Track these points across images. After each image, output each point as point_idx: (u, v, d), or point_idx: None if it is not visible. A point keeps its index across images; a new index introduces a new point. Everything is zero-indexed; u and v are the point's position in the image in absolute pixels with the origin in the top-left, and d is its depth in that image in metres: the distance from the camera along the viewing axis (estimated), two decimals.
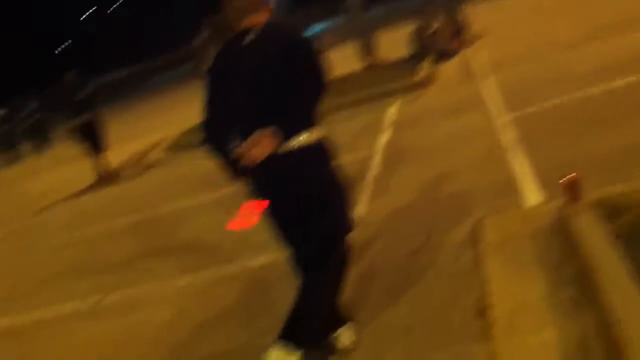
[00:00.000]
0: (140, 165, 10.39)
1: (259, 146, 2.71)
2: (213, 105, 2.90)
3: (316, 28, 25.93)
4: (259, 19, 2.89)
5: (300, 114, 2.79)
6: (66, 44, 48.75)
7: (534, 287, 3.06)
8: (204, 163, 4.27)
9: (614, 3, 10.31)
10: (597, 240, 3.07)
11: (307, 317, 2.89)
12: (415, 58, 11.05)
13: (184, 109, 11.63)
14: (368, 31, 12.30)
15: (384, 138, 7.00)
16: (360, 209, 4.86)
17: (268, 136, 2.70)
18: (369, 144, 6.83)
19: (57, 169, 13.05)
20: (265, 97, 2.78)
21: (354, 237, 3.12)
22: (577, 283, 2.94)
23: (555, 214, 3.59)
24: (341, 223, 2.99)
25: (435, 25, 11.43)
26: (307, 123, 2.79)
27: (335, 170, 2.94)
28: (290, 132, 2.74)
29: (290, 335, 2.82)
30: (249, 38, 2.84)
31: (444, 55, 10.92)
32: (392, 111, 8.26)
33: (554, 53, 8.65)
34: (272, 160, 2.73)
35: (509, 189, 4.41)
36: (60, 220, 8.27)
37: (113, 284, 5.04)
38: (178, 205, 6.94)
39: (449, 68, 10.16)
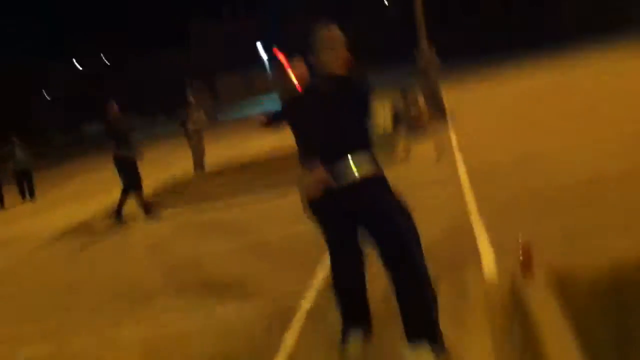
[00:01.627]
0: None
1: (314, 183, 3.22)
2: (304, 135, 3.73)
3: None
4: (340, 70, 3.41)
5: (366, 146, 3.33)
6: None
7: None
8: None
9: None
10: (547, 312, 3.26)
11: (421, 310, 3.19)
12: (394, 133, 11.40)
13: None
14: None
15: None
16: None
17: (320, 173, 3.20)
18: None
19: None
20: (341, 132, 3.30)
21: None
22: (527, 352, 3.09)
23: (509, 286, 3.79)
24: (410, 232, 3.35)
25: (413, 103, 11.82)
26: (369, 154, 3.32)
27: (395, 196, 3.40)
28: (358, 159, 3.26)
29: (419, 332, 3.14)
30: (332, 83, 3.38)
31: (419, 131, 11.27)
32: None
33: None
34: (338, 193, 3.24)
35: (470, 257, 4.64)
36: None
37: None
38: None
39: (424, 145, 10.53)
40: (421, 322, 3.17)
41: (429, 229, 5.50)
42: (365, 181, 3.23)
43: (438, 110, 12.33)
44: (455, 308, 3.75)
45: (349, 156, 3.22)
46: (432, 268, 3.36)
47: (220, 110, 42.84)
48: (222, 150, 16.61)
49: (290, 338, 3.92)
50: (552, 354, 2.91)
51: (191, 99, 13.70)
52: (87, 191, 15.23)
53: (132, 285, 6.08)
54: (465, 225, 5.48)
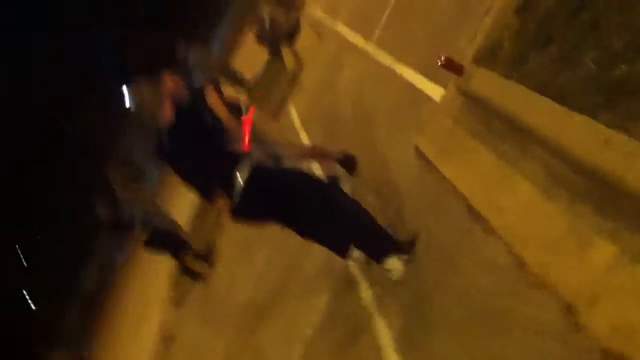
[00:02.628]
0: None
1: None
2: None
3: None
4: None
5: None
6: None
7: (486, 158, 3.46)
8: None
9: None
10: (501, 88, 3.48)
11: (365, 237, 3.76)
12: (276, 56, 11.36)
13: None
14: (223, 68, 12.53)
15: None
16: None
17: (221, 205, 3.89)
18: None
19: None
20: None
21: None
22: (509, 132, 3.33)
23: (456, 93, 4.00)
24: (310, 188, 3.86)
25: (266, 17, 11.73)
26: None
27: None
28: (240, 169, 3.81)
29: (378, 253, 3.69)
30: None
31: (292, 34, 11.23)
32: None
33: None
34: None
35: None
36: None
37: None
38: None
39: (305, 38, 10.56)
40: (373, 246, 3.71)
41: (382, 94, 5.80)
42: (250, 182, 3.71)
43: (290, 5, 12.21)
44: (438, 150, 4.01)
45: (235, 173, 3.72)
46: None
47: None
48: None
49: None
50: (531, 118, 3.13)
51: None
52: None
53: None
54: (391, 72, 5.68)
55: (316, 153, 5.49)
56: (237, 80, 11.84)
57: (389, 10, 6.77)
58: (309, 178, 4.02)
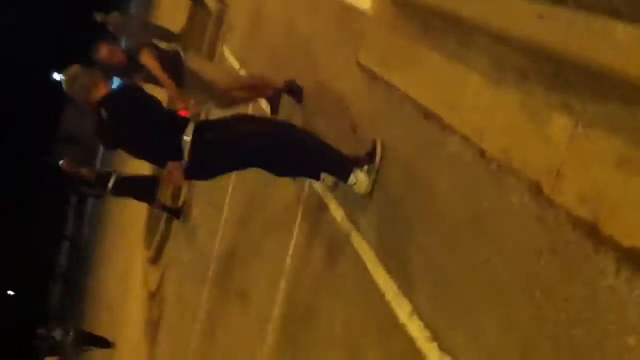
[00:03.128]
0: None
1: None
2: None
3: None
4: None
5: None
6: None
7: (430, 59, 3.45)
8: None
9: None
10: None
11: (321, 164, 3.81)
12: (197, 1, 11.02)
13: None
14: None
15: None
16: None
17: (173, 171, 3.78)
18: None
19: None
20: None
21: None
22: (448, 28, 3.30)
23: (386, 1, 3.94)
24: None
25: None
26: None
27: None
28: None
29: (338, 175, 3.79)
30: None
31: None
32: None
33: None
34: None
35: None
36: None
37: None
38: None
39: None
40: (336, 169, 3.76)
41: (313, 18, 5.72)
42: (195, 140, 3.69)
43: None
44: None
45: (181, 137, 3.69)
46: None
47: None
48: None
49: None
50: (464, 8, 3.10)
51: None
52: None
53: None
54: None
55: (259, 84, 5.44)
56: (164, 35, 11.51)
57: None
58: (257, 120, 4.08)
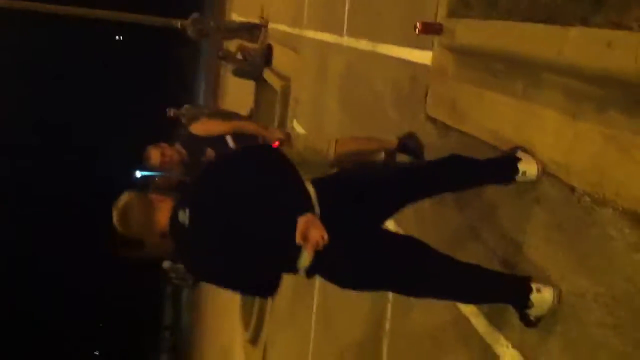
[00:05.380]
0: None
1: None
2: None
3: None
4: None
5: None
6: None
7: (502, 102, 3.43)
8: None
9: None
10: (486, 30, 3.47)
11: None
12: (261, 82, 11.40)
13: None
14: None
15: None
16: None
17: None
18: None
19: None
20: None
21: None
22: (514, 70, 3.30)
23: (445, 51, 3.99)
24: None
25: (238, 50, 11.80)
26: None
27: None
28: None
29: None
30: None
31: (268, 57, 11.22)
32: None
33: None
34: None
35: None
36: None
37: None
38: None
39: (282, 56, 10.58)
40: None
41: (377, 80, 5.74)
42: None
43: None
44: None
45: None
46: None
47: None
48: None
49: None
50: (528, 48, 3.10)
51: None
52: None
53: None
54: (376, 55, 5.67)
55: (371, 140, 4.85)
56: (234, 119, 11.95)
57: None
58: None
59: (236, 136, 4.69)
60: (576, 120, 2.76)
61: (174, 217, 2.79)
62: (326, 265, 2.70)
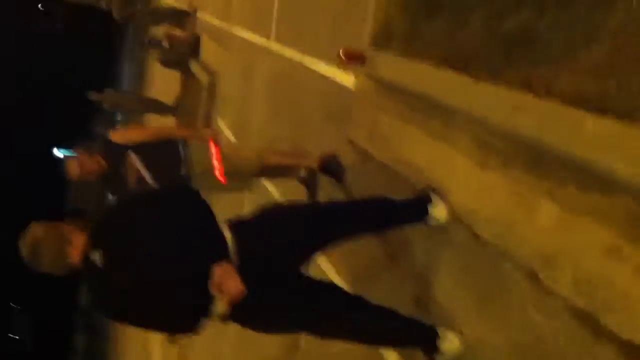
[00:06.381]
0: None
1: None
2: None
3: None
4: None
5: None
6: None
7: (418, 139, 3.53)
8: None
9: None
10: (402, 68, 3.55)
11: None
12: (187, 73, 11.23)
13: None
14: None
15: None
16: None
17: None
18: None
19: None
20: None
21: None
22: (430, 109, 3.38)
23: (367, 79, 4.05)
24: None
25: (164, 38, 11.55)
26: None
27: None
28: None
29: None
30: None
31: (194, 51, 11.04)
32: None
33: None
34: None
35: None
36: None
37: None
38: None
39: (209, 49, 10.44)
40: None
41: (302, 92, 5.75)
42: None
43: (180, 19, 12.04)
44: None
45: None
46: None
47: None
48: None
49: None
50: (439, 93, 3.19)
51: None
52: None
53: None
54: (302, 67, 5.69)
55: (295, 155, 4.93)
56: (160, 108, 11.74)
57: (276, 2, 6.73)
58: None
59: (159, 144, 4.53)
60: (484, 169, 2.88)
61: (86, 256, 2.68)
62: (241, 313, 2.70)
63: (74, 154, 4.40)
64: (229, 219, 2.87)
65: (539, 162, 2.50)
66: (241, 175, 4.67)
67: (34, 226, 2.77)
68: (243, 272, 2.56)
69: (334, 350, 4.10)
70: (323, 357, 4.27)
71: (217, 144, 4.56)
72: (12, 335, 31.38)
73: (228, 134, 7.87)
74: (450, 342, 2.85)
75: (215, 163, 4.45)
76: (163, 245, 2.65)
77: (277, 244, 2.82)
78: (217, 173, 4.43)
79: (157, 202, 2.85)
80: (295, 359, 4.67)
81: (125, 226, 2.74)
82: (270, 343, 5.08)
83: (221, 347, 7.00)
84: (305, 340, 4.54)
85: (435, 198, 3.13)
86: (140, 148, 4.45)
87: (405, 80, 3.48)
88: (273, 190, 5.78)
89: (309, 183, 4.80)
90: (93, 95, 10.94)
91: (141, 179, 4.38)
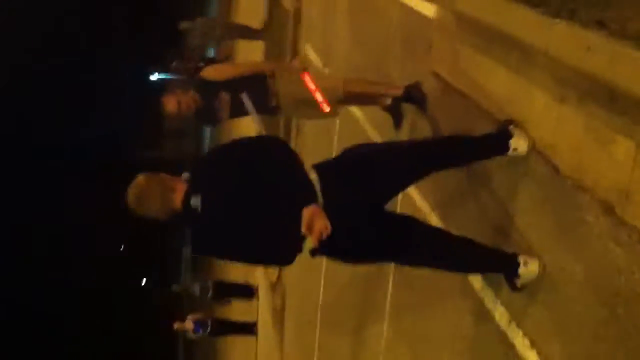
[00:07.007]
0: None
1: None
2: None
3: None
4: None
5: None
6: None
7: (497, 73, 3.59)
8: None
9: None
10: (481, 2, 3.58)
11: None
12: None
13: None
14: None
15: None
16: None
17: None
18: None
19: None
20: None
21: None
22: (508, 44, 3.42)
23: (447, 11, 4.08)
24: None
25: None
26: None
27: None
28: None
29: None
30: None
31: None
32: None
33: None
34: None
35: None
36: None
37: None
38: None
39: None
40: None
41: (383, 22, 5.82)
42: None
43: None
44: None
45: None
46: None
47: None
48: None
49: None
50: (517, 30, 3.22)
51: None
52: None
53: None
54: None
55: (380, 84, 5.04)
56: (248, 33, 11.94)
57: None
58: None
59: (248, 79, 4.77)
60: (562, 104, 2.96)
61: (186, 201, 2.97)
62: (329, 247, 2.95)
63: (172, 76, 4.68)
64: (314, 164, 3.13)
65: (614, 100, 2.56)
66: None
67: (139, 177, 3.08)
68: (329, 210, 2.81)
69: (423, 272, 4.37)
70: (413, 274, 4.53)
71: (308, 75, 4.74)
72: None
73: (315, 58, 8.00)
74: (529, 269, 3.04)
75: (318, 96, 4.65)
76: (258, 192, 2.93)
77: (360, 183, 3.03)
78: (322, 105, 4.64)
79: (251, 150, 3.07)
80: (388, 276, 4.98)
81: (222, 172, 3.02)
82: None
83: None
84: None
85: (515, 131, 3.23)
86: (232, 83, 4.70)
87: (482, 16, 3.52)
88: (361, 118, 5.97)
89: (394, 111, 4.97)
90: (184, 24, 11.21)
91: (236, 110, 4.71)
